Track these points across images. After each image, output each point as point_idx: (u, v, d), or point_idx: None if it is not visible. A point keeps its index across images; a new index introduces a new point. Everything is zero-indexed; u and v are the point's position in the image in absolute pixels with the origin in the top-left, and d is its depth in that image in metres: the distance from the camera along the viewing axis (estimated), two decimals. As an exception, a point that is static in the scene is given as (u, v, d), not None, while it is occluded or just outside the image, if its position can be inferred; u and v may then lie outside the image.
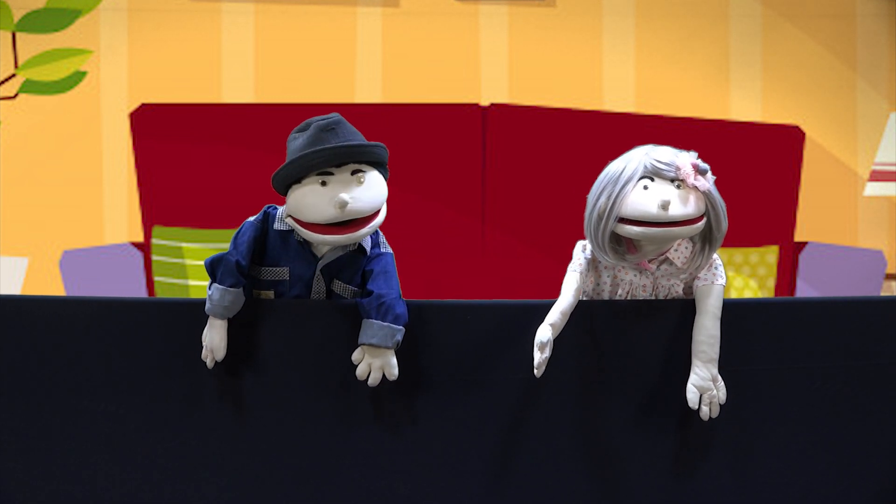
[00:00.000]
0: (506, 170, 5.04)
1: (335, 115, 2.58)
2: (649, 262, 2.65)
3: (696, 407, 2.56)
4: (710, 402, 2.57)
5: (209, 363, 2.61)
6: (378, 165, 2.60)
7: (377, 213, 2.57)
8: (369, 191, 2.55)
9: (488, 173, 5.04)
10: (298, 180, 2.54)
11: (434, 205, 5.00)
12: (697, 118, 5.23)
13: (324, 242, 2.58)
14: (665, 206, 2.52)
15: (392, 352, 2.56)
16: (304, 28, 5.43)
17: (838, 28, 5.54)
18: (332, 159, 2.52)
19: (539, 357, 2.50)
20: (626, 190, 2.55)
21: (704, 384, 2.56)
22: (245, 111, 5.16)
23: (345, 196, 2.50)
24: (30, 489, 2.64)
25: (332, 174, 2.53)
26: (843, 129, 5.56)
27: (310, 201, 2.53)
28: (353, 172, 2.54)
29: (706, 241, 2.62)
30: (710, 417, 2.57)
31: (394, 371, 2.57)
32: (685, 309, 2.62)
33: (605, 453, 2.64)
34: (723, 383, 2.58)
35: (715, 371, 2.57)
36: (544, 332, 2.52)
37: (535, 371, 2.50)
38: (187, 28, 5.40)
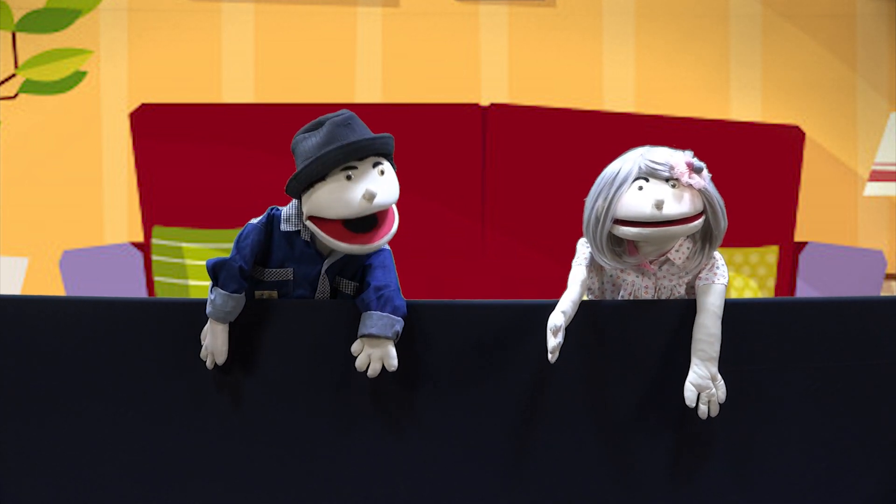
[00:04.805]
0: (506, 170, 5.04)
1: (346, 111, 2.61)
2: (650, 262, 2.64)
3: (693, 405, 2.56)
4: (709, 401, 2.57)
5: (209, 364, 2.61)
6: (389, 157, 2.62)
7: (393, 213, 2.59)
8: (390, 183, 2.58)
9: (488, 173, 5.04)
10: (322, 178, 2.55)
11: (434, 205, 5.00)
12: (697, 118, 5.23)
13: (349, 252, 2.58)
14: (659, 205, 2.53)
15: (392, 343, 2.56)
16: (304, 28, 5.43)
17: (838, 28, 5.54)
18: (357, 152, 2.54)
19: (553, 342, 2.49)
20: (622, 191, 2.56)
21: (703, 383, 2.56)
22: (245, 111, 5.16)
23: (373, 188, 2.52)
24: (30, 489, 2.64)
25: (355, 168, 2.55)
26: (843, 129, 5.56)
27: (337, 196, 2.53)
28: (374, 165, 2.56)
29: (706, 239, 2.62)
30: (708, 416, 2.57)
31: (393, 362, 2.56)
32: (688, 308, 2.62)
33: (606, 453, 2.63)
34: (722, 382, 2.58)
35: (714, 370, 2.57)
36: (557, 318, 2.51)
37: (550, 356, 2.49)
38: (187, 28, 5.40)
